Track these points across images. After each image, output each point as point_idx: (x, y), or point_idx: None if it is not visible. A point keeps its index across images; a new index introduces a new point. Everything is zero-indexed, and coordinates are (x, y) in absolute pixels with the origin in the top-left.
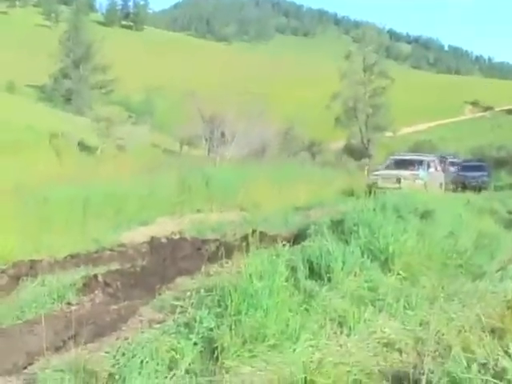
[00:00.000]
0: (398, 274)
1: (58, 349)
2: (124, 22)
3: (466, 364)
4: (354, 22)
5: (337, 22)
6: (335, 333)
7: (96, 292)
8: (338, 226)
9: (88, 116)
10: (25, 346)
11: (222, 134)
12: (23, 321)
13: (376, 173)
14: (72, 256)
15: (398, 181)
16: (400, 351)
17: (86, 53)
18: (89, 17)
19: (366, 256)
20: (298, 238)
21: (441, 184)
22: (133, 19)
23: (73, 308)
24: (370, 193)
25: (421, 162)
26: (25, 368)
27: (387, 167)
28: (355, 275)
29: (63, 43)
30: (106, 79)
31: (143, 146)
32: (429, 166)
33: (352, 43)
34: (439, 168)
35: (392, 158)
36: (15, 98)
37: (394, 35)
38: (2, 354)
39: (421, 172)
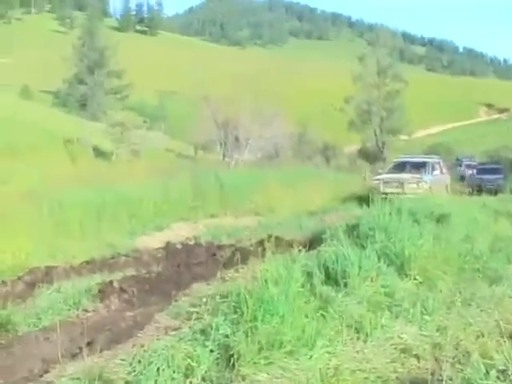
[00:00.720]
0: (415, 278)
1: (73, 356)
2: (138, 27)
3: (484, 370)
4: (368, 24)
5: (351, 24)
6: (352, 339)
7: (112, 298)
8: (353, 231)
9: (103, 121)
10: (41, 353)
11: (236, 138)
12: (39, 328)
13: (377, 177)
14: (87, 262)
15: (401, 185)
16: (417, 357)
17: (101, 58)
18: (103, 22)
19: (382, 261)
20: (313, 242)
21: (447, 187)
22: (147, 24)
23: (88, 315)
24: (369, 200)
25: (425, 165)
26: (41, 376)
27: (389, 171)
28: (371, 280)
29: (78, 48)
30: (121, 84)
31: (157, 151)
32: (433, 169)
33: (366, 46)
34: (445, 170)
35: (395, 160)
36: (30, 103)
37: (407, 37)
38: (19, 362)
39: (425, 175)
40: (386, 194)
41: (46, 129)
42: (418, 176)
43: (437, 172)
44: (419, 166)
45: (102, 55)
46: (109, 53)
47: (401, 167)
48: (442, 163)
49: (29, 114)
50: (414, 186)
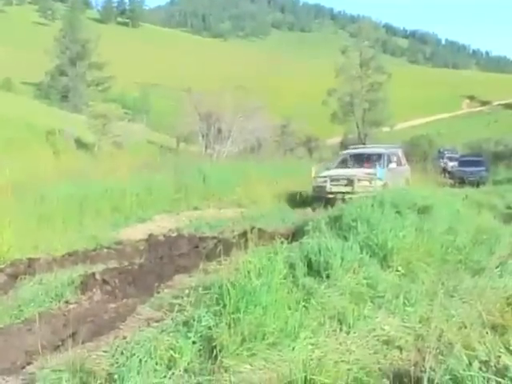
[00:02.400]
0: (397, 270)
1: (56, 348)
2: (120, 19)
3: (467, 361)
4: (351, 16)
5: (333, 17)
6: (334, 330)
7: (94, 290)
8: (336, 222)
9: (84, 113)
10: (23, 345)
11: (219, 131)
12: (21, 320)
13: (323, 174)
14: (70, 254)
15: (351, 183)
16: (400, 348)
17: (83, 50)
18: (85, 14)
19: (364, 252)
20: (296, 234)
21: (407, 182)
22: (129, 16)
23: (71, 306)
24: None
25: (379, 157)
26: (23, 367)
27: (338, 165)
28: (354, 272)
29: (59, 40)
30: (103, 76)
31: (140, 143)
32: (390, 161)
33: (348, 38)
34: (404, 161)
35: (344, 152)
36: (12, 95)
37: (390, 30)
38: (1, 354)
39: (378, 170)
40: (333, 193)
41: (28, 121)
42: (370, 172)
43: (394, 165)
44: (373, 159)
45: (84, 47)
46: (90, 45)
47: (351, 161)
48: (400, 153)
49: (10, 106)
50: (366, 183)
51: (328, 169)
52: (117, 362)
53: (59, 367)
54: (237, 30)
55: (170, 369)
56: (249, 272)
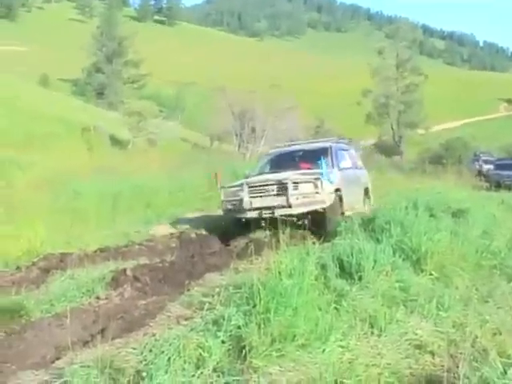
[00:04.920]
0: (431, 274)
1: (85, 343)
2: (156, 17)
3: (502, 369)
4: (387, 17)
5: (370, 17)
6: (365, 333)
7: (125, 286)
8: (368, 224)
9: (120, 110)
10: (53, 339)
11: (252, 130)
12: (52, 314)
13: (237, 183)
14: (101, 250)
15: (283, 191)
16: (432, 354)
17: (119, 47)
18: (122, 12)
19: (397, 255)
20: (327, 235)
21: (366, 192)
22: (165, 14)
23: (101, 302)
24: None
25: (323, 152)
26: (53, 362)
27: (262, 169)
28: (386, 274)
29: (96, 38)
30: (138, 74)
31: (174, 141)
32: (340, 158)
33: (385, 39)
34: (360, 164)
35: (270, 152)
36: (48, 92)
37: (427, 31)
38: (31, 348)
39: (326, 170)
40: (256, 211)
41: (64, 118)
42: (313, 172)
43: (347, 164)
44: (314, 157)
45: (120, 45)
46: (127, 42)
47: (281, 162)
48: (353, 152)
49: (47, 102)
50: (309, 189)
51: (247, 177)
52: (145, 360)
53: (88, 363)
54: (272, 29)
55: (198, 368)
56: (280, 272)
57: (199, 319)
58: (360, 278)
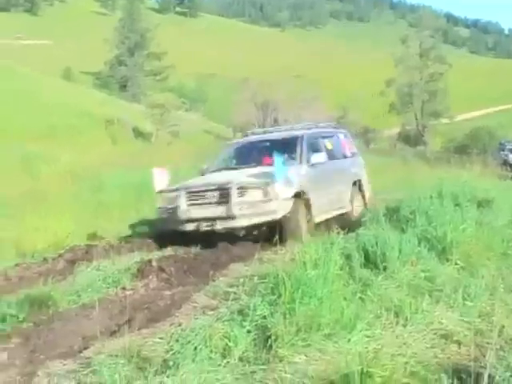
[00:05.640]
0: (456, 263)
1: (112, 333)
2: (178, 9)
3: None
4: (410, 6)
5: (392, 6)
6: (391, 323)
7: (150, 277)
8: (393, 214)
9: (143, 103)
10: (80, 329)
11: (275, 121)
12: (79, 305)
13: (174, 187)
14: (126, 241)
15: (225, 199)
16: (459, 343)
17: (141, 40)
18: (144, 4)
19: (422, 245)
20: (352, 225)
21: (358, 185)
22: (187, 6)
23: (127, 293)
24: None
25: (293, 144)
26: (80, 352)
27: (225, 161)
28: (412, 264)
29: (119, 30)
30: (161, 66)
31: (196, 133)
32: (313, 149)
33: (408, 28)
34: (351, 150)
35: (233, 142)
36: (72, 85)
37: (451, 19)
38: (59, 338)
39: (278, 167)
40: (196, 222)
41: (87, 110)
42: (264, 174)
43: (321, 157)
44: (281, 150)
45: (143, 37)
46: (149, 35)
47: (242, 157)
48: (341, 137)
49: (70, 96)
50: (257, 197)
51: (203, 174)
52: (172, 349)
53: (115, 353)
54: (294, 19)
55: (224, 357)
56: (305, 262)
57: (225, 309)
58: (385, 268)
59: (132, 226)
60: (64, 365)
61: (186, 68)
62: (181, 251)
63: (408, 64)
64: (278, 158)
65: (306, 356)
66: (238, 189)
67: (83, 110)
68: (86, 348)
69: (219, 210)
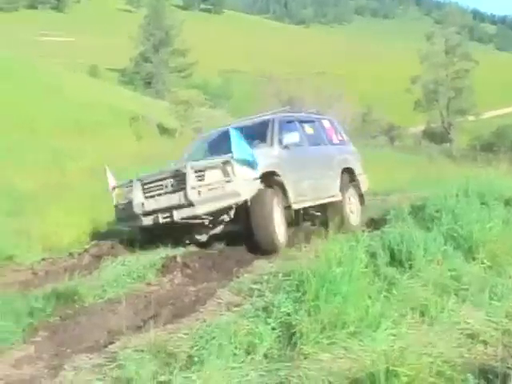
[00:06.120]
0: (483, 262)
1: (137, 328)
2: (203, 6)
3: None
4: (436, 2)
5: (418, 2)
6: (416, 322)
7: (175, 273)
8: (418, 212)
9: (167, 99)
10: (106, 324)
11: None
12: (104, 300)
13: (127, 181)
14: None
15: (180, 185)
16: (485, 343)
17: (166, 36)
18: (169, 1)
19: (448, 244)
20: (377, 223)
21: (350, 174)
22: (211, 2)
23: (152, 288)
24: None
25: (263, 128)
26: (106, 346)
27: (195, 154)
28: (437, 263)
29: (144, 27)
30: (185, 63)
31: None
32: (285, 131)
33: (434, 24)
34: (339, 137)
35: (204, 135)
36: (97, 81)
37: (478, 16)
38: (85, 332)
39: (238, 147)
40: (153, 215)
41: (112, 106)
42: (223, 158)
43: (293, 137)
44: (252, 136)
45: (168, 34)
46: (174, 31)
47: (216, 145)
48: (326, 123)
49: (95, 92)
50: (215, 178)
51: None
52: (197, 345)
53: (141, 347)
54: (319, 16)
55: (249, 354)
56: (329, 260)
57: (249, 306)
58: (410, 267)
59: None
60: (90, 359)
61: (211, 65)
62: (205, 247)
63: (433, 61)
64: (234, 134)
65: (331, 354)
66: (195, 171)
67: (108, 107)
68: (111, 342)
69: (175, 198)
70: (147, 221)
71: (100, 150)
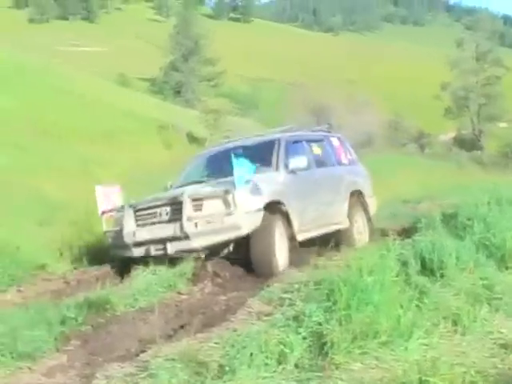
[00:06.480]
0: None
1: (168, 337)
2: (232, 15)
3: None
4: (467, 8)
5: (448, 9)
6: (449, 332)
7: (205, 282)
8: (450, 220)
9: (197, 108)
10: (137, 333)
11: (329, 125)
12: (135, 308)
13: (119, 206)
14: None
15: (176, 215)
16: None
17: (195, 46)
18: (198, 10)
19: (480, 252)
20: (407, 231)
21: (358, 197)
22: (241, 12)
23: (183, 297)
24: None
25: (268, 149)
26: (137, 355)
27: (193, 174)
28: (469, 272)
29: (173, 37)
30: (215, 71)
31: None
32: (291, 154)
33: (464, 31)
34: (347, 155)
35: (201, 153)
36: (127, 90)
37: (508, 21)
38: (116, 341)
39: (240, 175)
40: (144, 246)
41: (142, 115)
42: (226, 182)
43: (302, 162)
44: (255, 157)
45: (197, 43)
46: (203, 41)
47: (216, 166)
48: (335, 142)
49: (125, 100)
50: (216, 209)
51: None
52: (227, 355)
53: (172, 356)
54: (348, 23)
55: (280, 363)
56: (360, 269)
57: (280, 315)
58: (442, 276)
59: None
60: (122, 367)
61: (240, 73)
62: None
63: (464, 67)
64: (236, 161)
65: (363, 364)
66: (192, 200)
67: (138, 115)
68: (143, 351)
69: (170, 229)
70: (138, 252)
71: (129, 158)
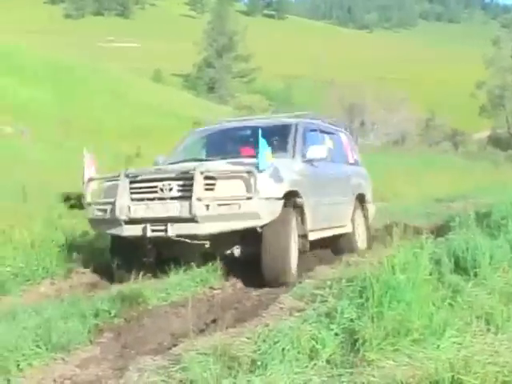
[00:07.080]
0: None
1: (201, 331)
2: (266, 11)
3: None
4: (503, 6)
5: (484, 6)
6: (481, 331)
7: (237, 277)
8: (484, 219)
9: (230, 104)
10: (169, 327)
11: (362, 123)
12: (168, 302)
13: (112, 174)
14: None
15: (187, 192)
16: None
17: (229, 42)
18: (232, 7)
19: None
20: (440, 230)
21: (361, 200)
22: (274, 8)
23: (215, 292)
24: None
25: (283, 132)
26: (169, 349)
27: (188, 152)
28: (503, 271)
29: (207, 33)
30: (248, 68)
31: None
32: (309, 142)
33: (500, 29)
34: (353, 155)
35: (199, 129)
36: (161, 86)
37: None
38: (149, 334)
39: (262, 157)
40: (141, 224)
41: (175, 111)
42: (245, 163)
43: (321, 153)
44: (267, 140)
45: (231, 39)
46: (237, 37)
47: (218, 145)
48: (344, 139)
49: (159, 96)
50: (232, 191)
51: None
52: (259, 349)
53: (204, 351)
54: (383, 21)
55: (311, 359)
56: (393, 267)
57: (312, 311)
58: (475, 274)
59: None
60: (154, 361)
61: (273, 70)
62: None
63: (500, 65)
64: (263, 142)
65: (394, 361)
66: (205, 178)
67: (171, 111)
68: (175, 345)
69: (175, 209)
70: (131, 230)
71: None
